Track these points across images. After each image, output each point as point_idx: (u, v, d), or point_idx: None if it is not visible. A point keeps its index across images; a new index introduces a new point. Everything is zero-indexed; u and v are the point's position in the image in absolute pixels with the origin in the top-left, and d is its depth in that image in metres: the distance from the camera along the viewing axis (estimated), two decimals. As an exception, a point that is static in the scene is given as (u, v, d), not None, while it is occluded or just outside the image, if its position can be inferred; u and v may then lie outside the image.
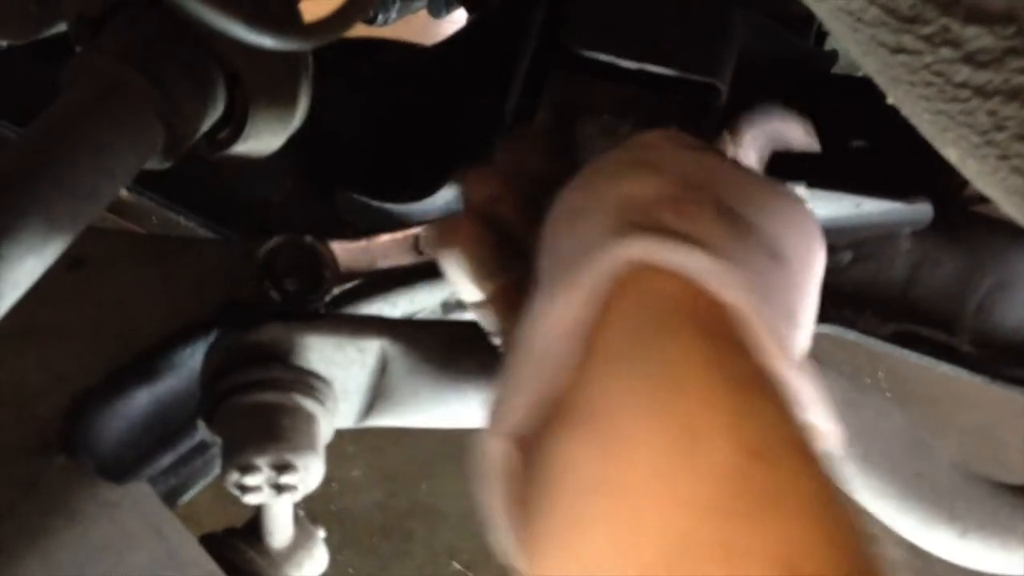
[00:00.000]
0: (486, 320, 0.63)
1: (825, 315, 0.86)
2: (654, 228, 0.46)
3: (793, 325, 0.49)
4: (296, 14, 0.64)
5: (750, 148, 0.74)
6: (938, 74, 0.46)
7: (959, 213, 0.83)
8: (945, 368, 0.86)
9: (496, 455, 0.46)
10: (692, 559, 0.35)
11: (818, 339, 0.86)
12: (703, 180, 0.50)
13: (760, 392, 0.41)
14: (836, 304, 0.87)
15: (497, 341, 0.64)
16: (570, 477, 0.41)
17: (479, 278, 0.61)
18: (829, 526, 0.36)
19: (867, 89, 0.54)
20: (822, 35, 0.93)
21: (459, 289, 0.62)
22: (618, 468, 0.39)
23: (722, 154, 0.59)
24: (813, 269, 0.53)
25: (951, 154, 0.53)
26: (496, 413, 0.48)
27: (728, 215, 0.48)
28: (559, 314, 0.45)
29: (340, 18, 0.57)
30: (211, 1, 0.54)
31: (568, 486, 0.41)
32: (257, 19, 0.55)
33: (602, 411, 0.42)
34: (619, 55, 0.77)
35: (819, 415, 0.46)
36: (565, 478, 0.41)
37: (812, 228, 0.54)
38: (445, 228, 0.62)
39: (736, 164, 0.56)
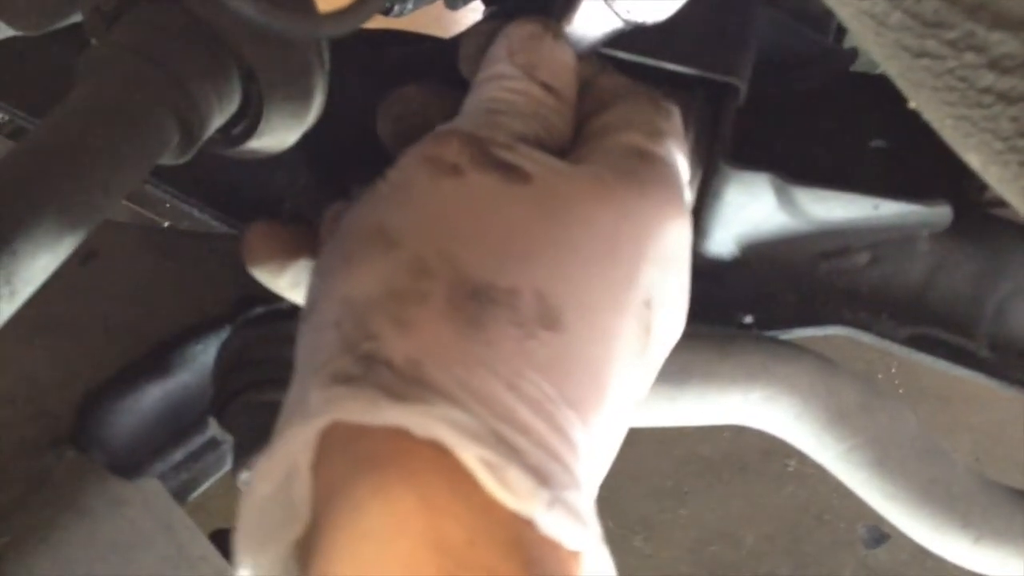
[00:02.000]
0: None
1: (840, 317, 0.85)
2: (360, 378, 0.41)
3: (571, 404, 0.43)
4: (311, 4, 0.64)
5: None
6: (962, 79, 0.46)
7: (978, 216, 0.83)
8: (961, 371, 0.86)
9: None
10: None
11: (832, 337, 0.86)
12: (449, 233, 0.45)
13: (479, 560, 0.37)
14: (852, 307, 0.86)
15: None
16: None
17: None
18: None
19: (887, 87, 0.54)
20: (842, 32, 0.92)
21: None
22: None
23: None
24: (623, 299, 0.46)
25: (973, 159, 0.53)
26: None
27: (467, 299, 0.43)
28: (279, 464, 0.42)
29: (356, 9, 0.56)
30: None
31: None
32: (272, 7, 0.55)
33: None
34: (636, 52, 0.76)
35: (574, 539, 0.39)
36: None
37: (634, 223, 0.47)
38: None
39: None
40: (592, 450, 0.44)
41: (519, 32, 0.54)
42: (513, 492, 0.38)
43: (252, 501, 0.43)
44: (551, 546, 0.39)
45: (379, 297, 0.44)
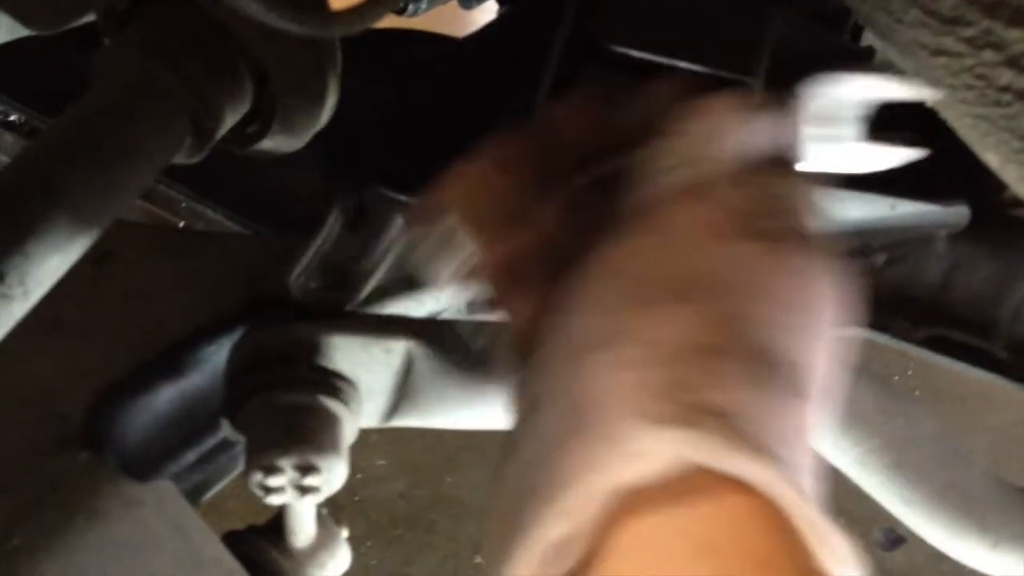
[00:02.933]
0: (476, 286, 0.56)
1: (857, 318, 0.84)
2: (689, 412, 0.42)
3: (807, 473, 0.46)
4: (323, 4, 0.64)
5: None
6: (980, 77, 0.45)
7: (996, 216, 0.82)
8: (979, 373, 0.85)
9: None
10: None
11: (848, 338, 0.85)
12: (726, 301, 0.47)
13: None
14: (869, 308, 0.85)
15: (484, 314, 0.59)
16: None
17: (480, 230, 0.55)
18: None
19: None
20: (858, 31, 0.92)
21: (448, 249, 0.56)
22: None
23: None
24: (832, 376, 0.50)
25: (991, 159, 0.52)
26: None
27: (759, 363, 0.45)
28: (569, 516, 0.41)
29: (368, 8, 0.56)
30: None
31: None
32: (281, 3, 0.54)
33: None
34: (651, 51, 0.76)
35: None
36: None
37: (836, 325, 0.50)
38: (452, 180, 0.57)
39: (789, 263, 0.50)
40: None
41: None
42: (838, 558, 0.40)
43: (535, 544, 0.42)
44: None
45: (688, 347, 0.45)
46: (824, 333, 0.49)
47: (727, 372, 0.44)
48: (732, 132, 0.53)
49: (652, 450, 0.41)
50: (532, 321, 0.52)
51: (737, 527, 0.41)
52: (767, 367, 0.45)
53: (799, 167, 0.55)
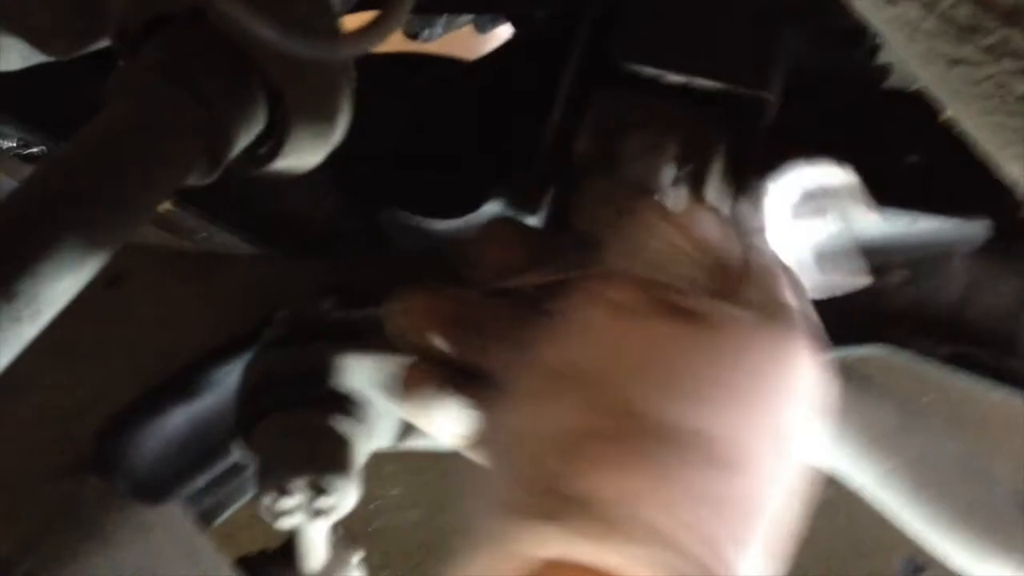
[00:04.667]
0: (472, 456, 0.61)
1: (877, 335, 0.83)
2: (562, 512, 0.42)
3: (736, 541, 0.45)
4: (333, 24, 0.64)
5: (779, 202, 0.70)
6: (999, 86, 0.45)
7: (1018, 232, 0.81)
8: (1001, 392, 0.84)
9: None
10: None
11: (866, 362, 0.84)
12: (628, 380, 0.47)
13: None
14: (889, 324, 0.84)
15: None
16: None
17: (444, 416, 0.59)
18: None
19: (921, 103, 0.53)
20: (875, 48, 0.91)
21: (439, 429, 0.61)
22: None
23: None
24: (780, 452, 0.49)
25: (1012, 170, 0.52)
26: None
27: (650, 440, 0.45)
28: None
29: (374, 29, 0.56)
30: (248, 8, 0.54)
31: None
32: (291, 27, 0.54)
33: None
34: (665, 69, 0.75)
35: None
36: None
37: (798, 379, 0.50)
38: (406, 381, 0.61)
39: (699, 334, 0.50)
40: None
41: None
42: None
43: None
44: None
45: (567, 435, 0.45)
46: (762, 408, 0.48)
47: (604, 455, 0.44)
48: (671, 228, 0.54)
49: (522, 547, 0.42)
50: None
51: None
52: (666, 443, 0.44)
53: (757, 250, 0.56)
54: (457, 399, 0.59)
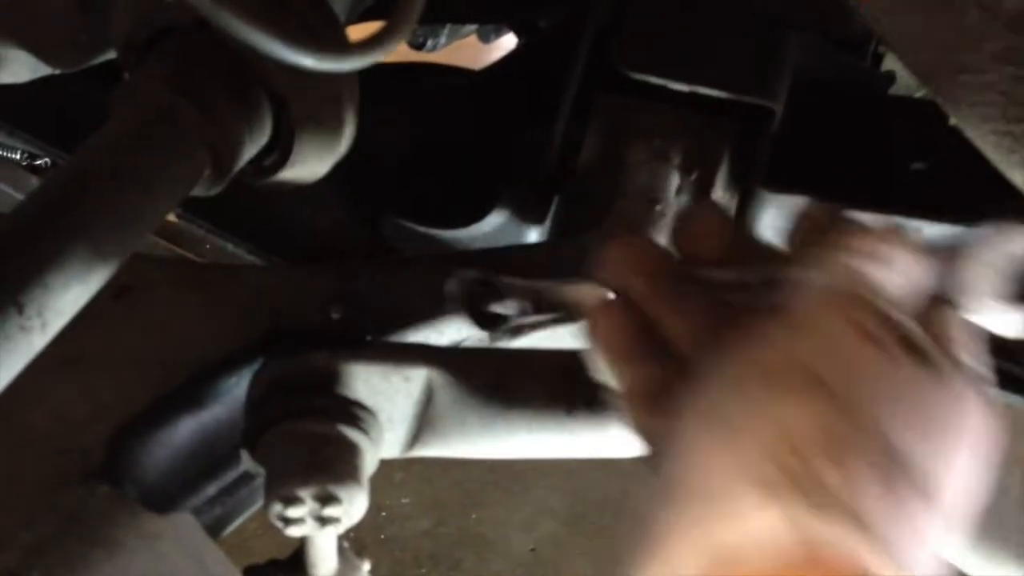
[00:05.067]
0: (622, 412, 0.60)
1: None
2: (809, 498, 0.44)
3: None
4: (341, 37, 0.64)
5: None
6: (1003, 93, 0.45)
7: (1024, 238, 0.81)
8: (1010, 399, 0.84)
9: None
10: None
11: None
12: (868, 399, 0.48)
13: None
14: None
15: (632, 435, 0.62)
16: None
17: (619, 366, 0.59)
18: None
19: (925, 110, 0.53)
20: (879, 56, 0.91)
21: (601, 373, 0.60)
22: None
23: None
24: (968, 490, 0.51)
25: (1016, 176, 0.52)
26: None
27: (890, 459, 0.47)
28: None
29: (380, 41, 0.56)
30: (253, 21, 0.54)
31: None
32: (297, 39, 0.54)
33: None
34: (670, 78, 0.76)
35: None
36: None
37: (988, 429, 0.53)
38: (593, 315, 0.60)
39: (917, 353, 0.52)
40: None
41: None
42: None
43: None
44: None
45: (817, 434, 0.46)
46: (963, 457, 0.50)
47: (850, 460, 0.45)
48: (894, 257, 0.54)
49: (755, 513, 0.43)
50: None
51: None
52: (897, 467, 0.46)
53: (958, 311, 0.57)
54: (634, 349, 0.58)
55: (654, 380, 0.57)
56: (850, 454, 0.46)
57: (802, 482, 0.44)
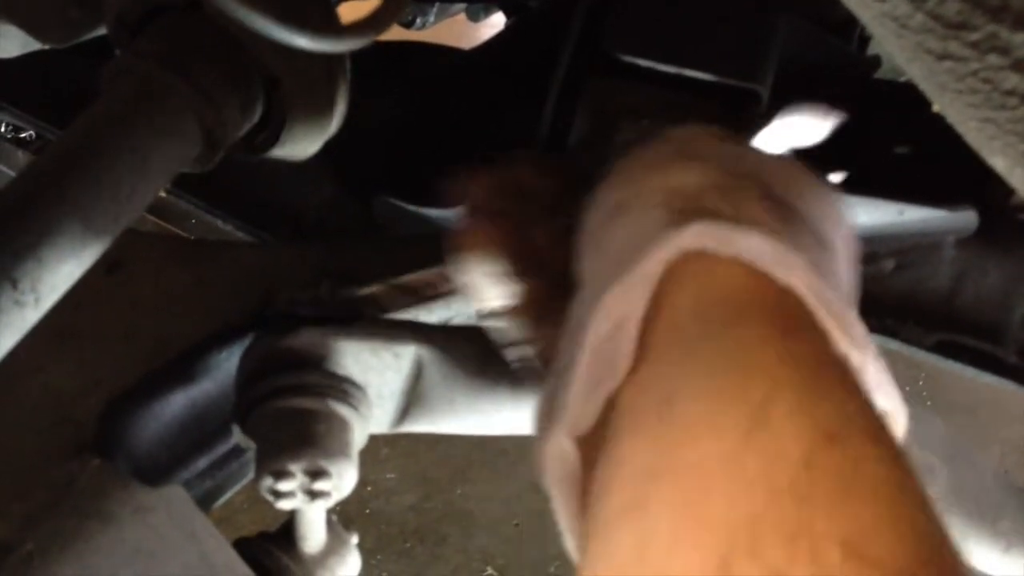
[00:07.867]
0: (510, 328, 0.62)
1: (867, 324, 0.84)
2: (705, 214, 0.46)
3: (850, 308, 0.48)
4: (333, 17, 0.64)
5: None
6: (985, 81, 0.45)
7: (1005, 221, 0.82)
8: (989, 379, 0.85)
9: (556, 455, 0.46)
10: (759, 541, 0.34)
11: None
12: (745, 169, 0.51)
13: (831, 375, 0.41)
14: (878, 313, 0.85)
15: (517, 351, 0.63)
16: (631, 465, 0.40)
17: (501, 281, 0.61)
18: (900, 510, 0.35)
19: (911, 94, 0.53)
20: (865, 39, 0.92)
21: (482, 296, 0.62)
22: (683, 452, 0.38)
23: (758, 149, 0.58)
24: (852, 260, 0.54)
25: (998, 163, 0.52)
26: (550, 414, 0.47)
27: (774, 201, 0.49)
28: (614, 308, 0.45)
29: (374, 21, 0.56)
30: (248, 1, 0.54)
31: (629, 473, 0.40)
32: (291, 19, 0.55)
33: (665, 399, 0.41)
34: (658, 60, 0.76)
35: (888, 398, 0.45)
36: (625, 466, 0.40)
37: (848, 219, 0.55)
38: (461, 233, 0.62)
39: (775, 156, 0.56)
40: None
41: None
42: (854, 342, 0.43)
43: (591, 342, 0.45)
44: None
45: (707, 186, 0.49)
46: (843, 227, 0.54)
47: (745, 201, 0.48)
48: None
49: (680, 240, 0.45)
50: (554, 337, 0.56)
51: (763, 301, 0.43)
52: (790, 212, 0.49)
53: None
54: (510, 264, 0.61)
55: (539, 290, 0.60)
56: (738, 194, 0.48)
57: (702, 212, 0.46)
